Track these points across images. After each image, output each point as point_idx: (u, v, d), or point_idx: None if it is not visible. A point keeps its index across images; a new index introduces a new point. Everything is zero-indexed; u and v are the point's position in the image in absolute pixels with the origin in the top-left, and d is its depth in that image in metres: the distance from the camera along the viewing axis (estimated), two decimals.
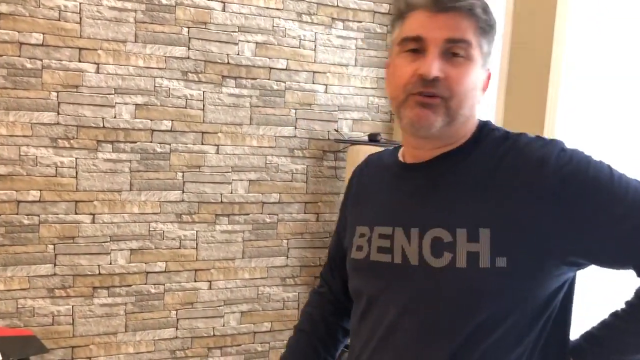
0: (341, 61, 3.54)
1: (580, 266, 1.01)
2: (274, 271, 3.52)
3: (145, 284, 3.25)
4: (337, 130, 3.57)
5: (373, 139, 3.34)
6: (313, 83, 3.48)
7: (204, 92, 3.21)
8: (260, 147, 3.39)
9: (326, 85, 3.52)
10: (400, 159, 1.16)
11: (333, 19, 3.48)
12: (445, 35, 0.98)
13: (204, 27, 3.18)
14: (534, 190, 0.96)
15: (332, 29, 3.48)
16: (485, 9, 1.01)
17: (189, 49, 3.16)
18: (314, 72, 3.47)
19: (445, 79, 0.98)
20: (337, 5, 3.48)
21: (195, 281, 3.33)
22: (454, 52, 0.99)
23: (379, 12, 3.60)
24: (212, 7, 3.18)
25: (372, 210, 1.16)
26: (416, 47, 1.00)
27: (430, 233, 1.02)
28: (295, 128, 3.47)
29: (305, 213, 3.56)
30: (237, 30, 3.25)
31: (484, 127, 1.09)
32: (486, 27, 1.02)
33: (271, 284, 3.52)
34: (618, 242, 0.95)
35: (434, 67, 0.97)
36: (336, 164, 3.61)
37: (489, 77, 1.08)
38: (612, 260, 0.98)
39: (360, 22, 3.56)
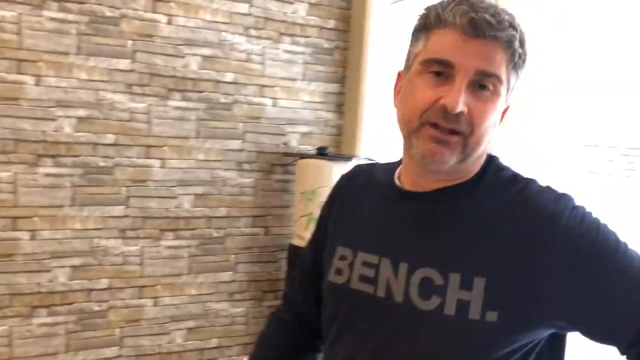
0: (289, 75, 3.55)
1: (571, 330, 0.96)
2: (221, 286, 3.47)
3: (88, 301, 3.15)
4: (285, 144, 3.57)
5: (322, 152, 3.36)
6: (261, 97, 3.48)
7: (149, 104, 3.16)
8: (207, 160, 3.35)
9: (274, 99, 3.53)
10: (397, 181, 1.07)
11: (281, 33, 3.49)
12: (478, 66, 0.88)
13: (149, 39, 3.14)
14: (539, 247, 0.89)
15: (280, 43, 3.50)
16: (522, 42, 0.92)
17: (133, 61, 3.11)
18: (262, 85, 3.47)
19: (468, 113, 0.89)
20: (285, 21, 3.50)
21: (140, 298, 3.25)
22: (483, 84, 0.90)
23: (326, 28, 3.64)
24: (158, 19, 3.15)
25: (357, 232, 1.08)
26: (441, 70, 0.90)
27: (420, 271, 0.95)
28: (243, 141, 3.45)
29: (253, 227, 3.53)
30: (183, 43, 3.22)
31: (492, 163, 1.02)
32: (519, 62, 0.93)
33: (218, 300, 3.47)
34: (613, 317, 0.89)
35: (460, 100, 0.88)
36: (285, 177, 3.60)
37: (506, 111, 1.00)
38: (603, 334, 0.92)
39: (308, 37, 3.58)
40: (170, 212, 3.28)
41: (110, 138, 3.09)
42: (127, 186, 3.15)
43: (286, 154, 3.50)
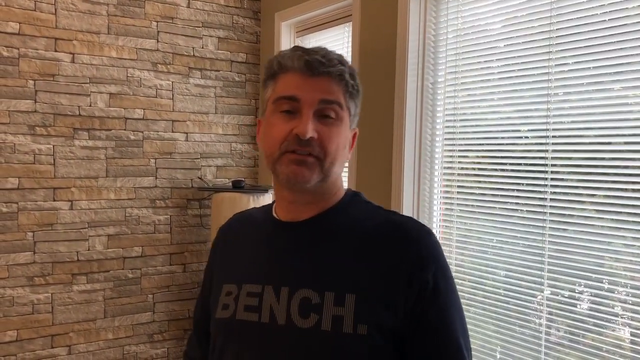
0: (201, 109, 3.54)
1: None
2: (140, 328, 3.37)
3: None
4: (200, 178, 3.54)
5: (237, 185, 3.34)
6: (173, 132, 3.44)
7: (53, 146, 3.06)
8: (119, 199, 3.27)
9: (187, 133, 3.50)
10: (275, 215, 1.16)
11: (190, 68, 3.48)
12: (319, 97, 1.03)
13: (51, 79, 3.05)
14: (404, 263, 1.01)
15: (189, 77, 3.48)
16: (353, 75, 1.08)
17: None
18: (173, 120, 3.44)
19: (319, 138, 1.02)
20: (194, 55, 3.49)
21: (53, 347, 3.10)
22: (326, 113, 1.04)
23: (237, 61, 3.66)
24: (61, 58, 3.07)
25: (240, 268, 1.14)
26: (290, 108, 1.04)
27: (300, 293, 1.02)
28: (156, 178, 3.40)
29: (170, 265, 3.46)
30: (88, 81, 3.15)
31: (358, 196, 1.16)
32: (353, 91, 1.08)
33: (138, 342, 3.36)
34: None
35: (309, 127, 1.01)
36: (201, 211, 3.56)
37: (355, 136, 1.15)
38: None
39: (218, 70, 3.59)
40: (81, 255, 3.16)
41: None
42: (33, 231, 3.03)
43: (201, 189, 3.47)
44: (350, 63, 1.10)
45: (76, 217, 3.15)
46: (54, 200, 3.09)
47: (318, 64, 1.03)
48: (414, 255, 1.02)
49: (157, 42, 3.37)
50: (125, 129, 3.28)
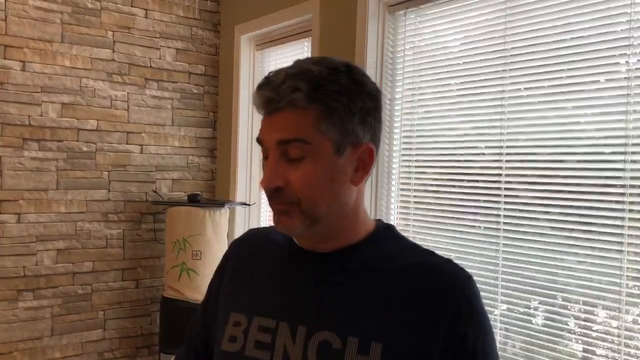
0: (157, 121, 3.47)
1: None
2: (89, 346, 3.25)
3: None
4: (155, 191, 3.46)
5: (193, 199, 3.28)
6: (127, 144, 3.36)
7: (1, 156, 2.95)
8: (70, 212, 3.16)
9: (142, 145, 3.42)
10: (296, 241, 1.02)
11: (147, 79, 3.41)
12: (275, 137, 0.89)
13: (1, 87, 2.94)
14: (439, 312, 0.90)
15: (146, 89, 3.41)
16: (316, 91, 0.88)
17: None
18: (128, 132, 3.36)
19: (289, 184, 0.89)
20: (150, 66, 3.43)
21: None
22: (289, 155, 0.89)
23: (195, 73, 3.61)
24: (9, 66, 2.96)
25: (252, 296, 1.02)
26: (264, 153, 0.93)
27: (319, 335, 0.91)
28: (109, 191, 3.30)
29: (123, 280, 3.36)
30: (39, 90, 3.06)
31: (389, 230, 1.03)
32: (328, 110, 0.89)
33: None
34: None
35: (271, 178, 0.89)
36: (155, 226, 3.48)
37: (368, 152, 0.94)
38: None
39: (176, 82, 3.53)
40: (28, 270, 3.04)
41: None
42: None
43: (155, 202, 3.39)
44: (332, 69, 0.92)
45: (24, 231, 3.03)
46: (0, 213, 2.96)
47: (266, 102, 0.90)
48: (456, 309, 0.90)
49: (113, 52, 3.30)
50: (77, 140, 3.19)
